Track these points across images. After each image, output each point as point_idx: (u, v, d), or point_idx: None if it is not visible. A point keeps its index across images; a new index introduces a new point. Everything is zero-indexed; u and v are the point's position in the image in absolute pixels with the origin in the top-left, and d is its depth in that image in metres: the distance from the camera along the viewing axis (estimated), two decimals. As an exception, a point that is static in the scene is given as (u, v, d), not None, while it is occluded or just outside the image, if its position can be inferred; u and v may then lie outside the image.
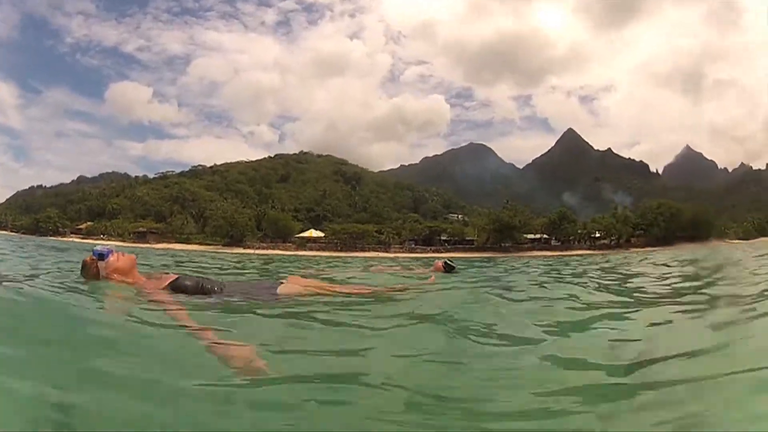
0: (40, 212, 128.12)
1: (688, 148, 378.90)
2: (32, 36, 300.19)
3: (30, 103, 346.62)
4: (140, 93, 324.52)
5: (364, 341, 3.57)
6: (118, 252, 5.38)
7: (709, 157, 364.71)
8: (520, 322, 4.46)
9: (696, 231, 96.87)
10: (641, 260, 23.04)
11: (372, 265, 15.69)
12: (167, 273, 5.74)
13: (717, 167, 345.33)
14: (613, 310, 5.46)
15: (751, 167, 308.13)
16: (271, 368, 2.71)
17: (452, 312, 4.77)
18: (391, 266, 14.41)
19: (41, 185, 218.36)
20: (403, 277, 10.48)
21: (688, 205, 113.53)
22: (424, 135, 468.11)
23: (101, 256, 5.19)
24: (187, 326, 3.77)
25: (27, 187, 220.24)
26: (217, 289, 5.35)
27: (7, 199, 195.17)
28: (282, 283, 5.74)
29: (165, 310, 4.29)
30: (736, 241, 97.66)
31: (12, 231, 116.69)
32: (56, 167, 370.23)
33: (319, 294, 5.68)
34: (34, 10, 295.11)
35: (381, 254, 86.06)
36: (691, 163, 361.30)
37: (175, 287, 5.19)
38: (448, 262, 11.23)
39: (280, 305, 5.00)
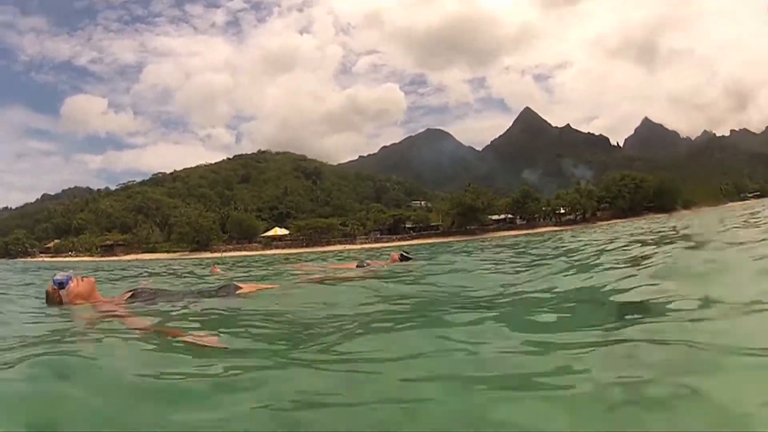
0: (8, 235, 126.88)
1: (647, 119, 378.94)
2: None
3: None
4: (95, 105, 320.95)
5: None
6: (78, 277, 5.77)
7: (670, 127, 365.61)
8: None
9: (662, 201, 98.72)
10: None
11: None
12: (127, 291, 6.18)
13: (679, 136, 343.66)
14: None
15: (714, 134, 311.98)
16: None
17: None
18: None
19: (7, 207, 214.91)
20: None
21: (653, 176, 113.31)
22: (381, 124, 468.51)
23: (61, 285, 5.57)
24: (141, 329, 4.25)
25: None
26: (173, 299, 5.79)
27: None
28: (239, 288, 6.31)
29: (122, 322, 4.64)
30: (705, 208, 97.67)
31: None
32: (20, 188, 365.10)
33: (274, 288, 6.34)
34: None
35: (347, 246, 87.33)
36: (652, 133, 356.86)
37: (133, 300, 5.66)
38: (404, 253, 12.05)
39: (240, 302, 5.57)
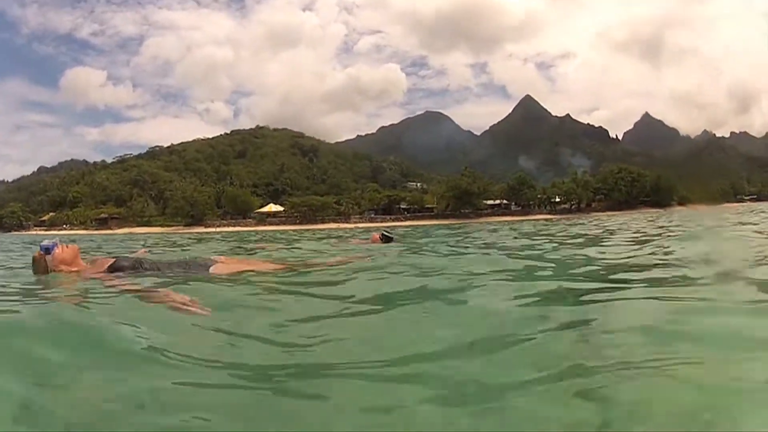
0: (4, 207, 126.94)
1: (647, 115, 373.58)
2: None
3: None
4: (94, 77, 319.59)
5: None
6: (62, 244, 6.07)
7: (670, 125, 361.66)
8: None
9: (658, 196, 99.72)
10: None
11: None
12: (106, 257, 6.60)
13: (679, 134, 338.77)
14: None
15: (714, 135, 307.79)
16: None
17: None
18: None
19: (3, 180, 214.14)
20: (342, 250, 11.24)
21: (650, 171, 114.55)
22: (381, 104, 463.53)
23: (47, 250, 5.85)
24: (125, 290, 4.71)
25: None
26: (153, 267, 6.01)
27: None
28: (215, 262, 6.41)
29: (104, 284, 5.11)
30: (700, 206, 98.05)
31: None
32: (17, 161, 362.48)
33: (249, 272, 6.27)
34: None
35: (341, 225, 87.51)
36: (651, 129, 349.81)
37: (114, 268, 5.84)
38: (385, 233, 11.93)
39: (214, 281, 5.65)
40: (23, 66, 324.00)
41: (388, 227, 45.69)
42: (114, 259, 6.12)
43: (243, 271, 6.22)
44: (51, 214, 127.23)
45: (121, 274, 5.70)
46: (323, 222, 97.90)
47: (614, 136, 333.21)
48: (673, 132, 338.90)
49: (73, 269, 5.94)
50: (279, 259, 8.99)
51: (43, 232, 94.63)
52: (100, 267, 5.99)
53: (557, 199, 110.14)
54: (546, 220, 63.66)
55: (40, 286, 5.45)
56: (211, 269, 6.13)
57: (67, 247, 6.05)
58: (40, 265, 5.88)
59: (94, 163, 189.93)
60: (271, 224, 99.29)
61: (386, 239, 11.61)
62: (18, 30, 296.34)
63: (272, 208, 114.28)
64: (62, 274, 5.82)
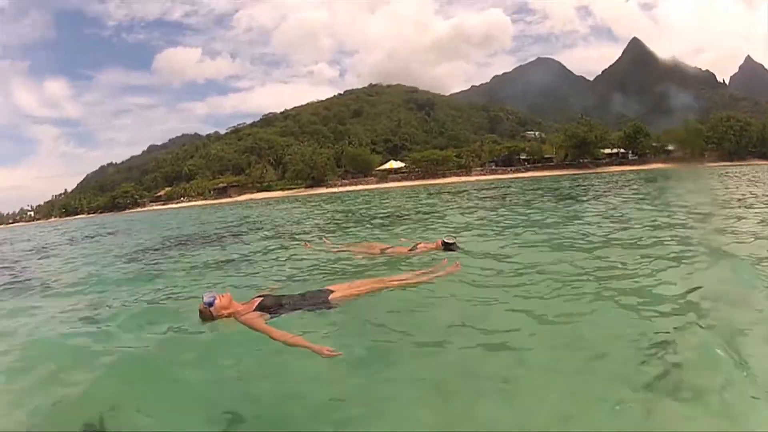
0: (116, 189, 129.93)
1: (749, 58, 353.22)
2: (70, 29, 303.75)
3: (83, 90, 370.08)
4: (188, 55, 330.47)
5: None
6: (219, 295, 6.64)
7: None
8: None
9: (765, 147, 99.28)
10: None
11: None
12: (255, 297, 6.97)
13: None
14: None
15: None
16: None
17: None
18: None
19: (111, 163, 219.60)
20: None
21: (756, 120, 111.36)
22: (489, 52, 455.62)
23: (210, 304, 6.51)
24: (267, 333, 5.80)
25: (97, 168, 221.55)
26: (291, 302, 6.76)
27: (79, 184, 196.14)
28: (331, 291, 7.00)
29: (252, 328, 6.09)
30: None
31: (88, 213, 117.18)
32: (123, 143, 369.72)
33: (362, 294, 7.06)
34: (66, 5, 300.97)
35: (463, 179, 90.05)
36: (754, 74, 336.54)
37: (261, 307, 6.52)
38: (446, 240, 10.09)
39: (335, 311, 6.51)
40: (115, 56, 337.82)
41: (510, 179, 41.84)
42: (261, 298, 6.80)
43: (356, 296, 7.06)
44: (167, 189, 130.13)
45: (267, 315, 6.46)
46: (444, 176, 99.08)
47: (721, 81, 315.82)
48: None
49: (230, 311, 6.61)
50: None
51: (160, 207, 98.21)
52: (250, 307, 6.65)
53: (670, 148, 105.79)
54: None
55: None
56: (329, 298, 6.90)
57: (223, 296, 6.73)
58: (207, 316, 6.64)
59: (207, 135, 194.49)
60: (392, 181, 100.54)
61: (447, 246, 9.98)
62: (102, 24, 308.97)
63: (393, 164, 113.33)
64: (224, 319, 6.60)
